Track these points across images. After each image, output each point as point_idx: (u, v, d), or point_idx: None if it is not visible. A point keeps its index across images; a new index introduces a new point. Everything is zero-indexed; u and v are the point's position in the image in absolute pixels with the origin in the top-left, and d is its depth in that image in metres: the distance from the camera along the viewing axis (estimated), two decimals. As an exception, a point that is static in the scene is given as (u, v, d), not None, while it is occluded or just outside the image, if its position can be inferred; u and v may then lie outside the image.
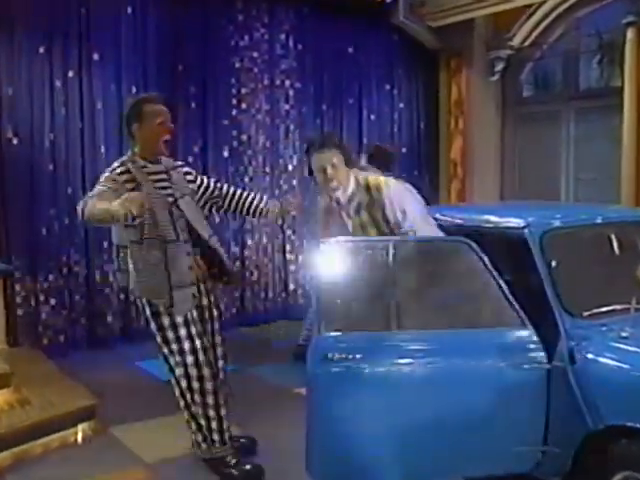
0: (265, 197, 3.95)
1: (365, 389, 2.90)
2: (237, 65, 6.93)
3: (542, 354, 2.91)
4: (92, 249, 6.09)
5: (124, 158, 3.52)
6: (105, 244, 5.95)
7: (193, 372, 3.52)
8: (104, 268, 6.12)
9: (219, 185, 3.85)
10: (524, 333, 2.93)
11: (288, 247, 7.37)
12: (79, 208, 3.17)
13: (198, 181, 3.78)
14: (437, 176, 8.43)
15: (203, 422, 3.58)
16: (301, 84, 7.39)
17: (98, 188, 3.31)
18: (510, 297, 2.93)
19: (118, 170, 3.41)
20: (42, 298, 5.87)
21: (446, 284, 3.09)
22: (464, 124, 8.09)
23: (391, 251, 2.97)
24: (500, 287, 2.95)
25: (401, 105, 8.24)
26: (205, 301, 3.68)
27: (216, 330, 3.75)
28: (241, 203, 3.84)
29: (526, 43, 7.83)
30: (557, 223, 3.31)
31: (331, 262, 2.98)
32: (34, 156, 5.78)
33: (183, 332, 3.50)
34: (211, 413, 3.57)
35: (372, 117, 7.97)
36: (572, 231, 3.34)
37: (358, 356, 2.88)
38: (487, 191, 8.06)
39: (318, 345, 2.90)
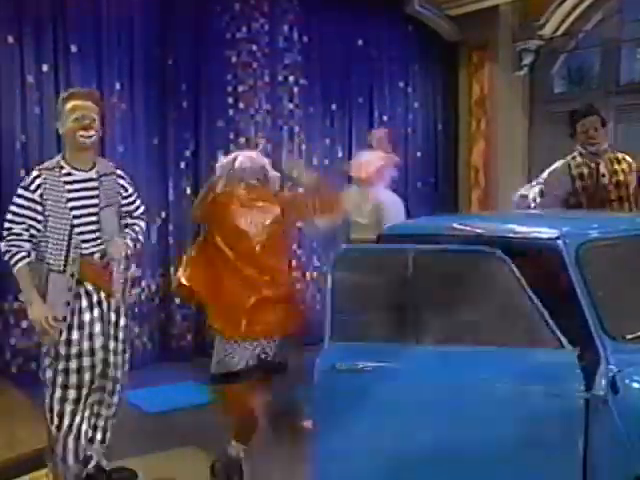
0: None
1: (375, 406, 3.01)
2: (234, 59, 6.95)
3: (581, 381, 2.86)
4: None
5: (47, 163, 3.72)
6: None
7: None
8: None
9: (134, 214, 4.00)
10: (562, 355, 2.90)
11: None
12: (5, 256, 3.57)
13: (128, 198, 3.94)
14: (456, 184, 8.43)
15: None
16: (306, 81, 7.41)
17: (11, 217, 3.62)
18: (545, 312, 2.91)
19: (32, 186, 3.64)
20: (11, 320, 5.84)
21: (470, 297, 3.09)
22: (487, 125, 8.10)
23: (410, 259, 3.07)
24: (532, 301, 2.94)
25: (416, 104, 8.28)
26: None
27: None
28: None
29: (558, 32, 7.83)
30: (595, 234, 3.28)
31: (345, 269, 3.17)
32: (3, 161, 5.77)
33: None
34: None
35: (384, 118, 8.00)
36: (612, 243, 3.28)
37: (370, 368, 3.01)
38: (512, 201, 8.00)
39: (326, 355, 3.07)
